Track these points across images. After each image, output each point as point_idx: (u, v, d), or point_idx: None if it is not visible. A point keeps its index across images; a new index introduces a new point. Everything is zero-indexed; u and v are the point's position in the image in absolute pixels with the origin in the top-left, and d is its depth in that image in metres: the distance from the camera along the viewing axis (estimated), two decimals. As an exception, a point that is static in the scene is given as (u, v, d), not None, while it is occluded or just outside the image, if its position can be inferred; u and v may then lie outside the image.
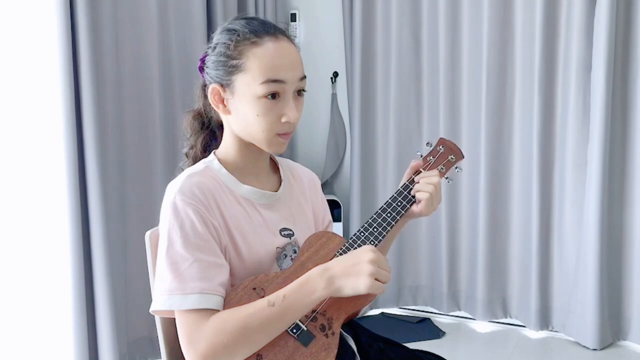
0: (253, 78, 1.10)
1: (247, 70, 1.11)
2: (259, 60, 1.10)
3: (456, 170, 1.32)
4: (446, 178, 1.30)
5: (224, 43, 1.14)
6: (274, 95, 1.11)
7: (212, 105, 1.18)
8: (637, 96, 2.48)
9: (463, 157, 1.31)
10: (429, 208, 1.21)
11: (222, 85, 1.15)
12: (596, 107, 2.46)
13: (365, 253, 1.07)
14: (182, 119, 1.29)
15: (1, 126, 2.07)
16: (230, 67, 1.13)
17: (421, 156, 1.30)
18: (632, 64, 2.48)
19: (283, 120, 1.13)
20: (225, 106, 1.17)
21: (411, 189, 1.23)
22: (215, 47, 1.16)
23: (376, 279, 1.05)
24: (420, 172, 1.26)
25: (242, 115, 1.14)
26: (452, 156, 1.30)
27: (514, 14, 2.68)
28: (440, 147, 1.30)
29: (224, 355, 1.02)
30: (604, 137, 2.45)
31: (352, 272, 1.05)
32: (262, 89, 1.10)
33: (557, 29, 2.58)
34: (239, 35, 1.13)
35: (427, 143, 1.32)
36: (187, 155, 1.28)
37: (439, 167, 1.28)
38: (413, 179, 1.25)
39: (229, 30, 1.15)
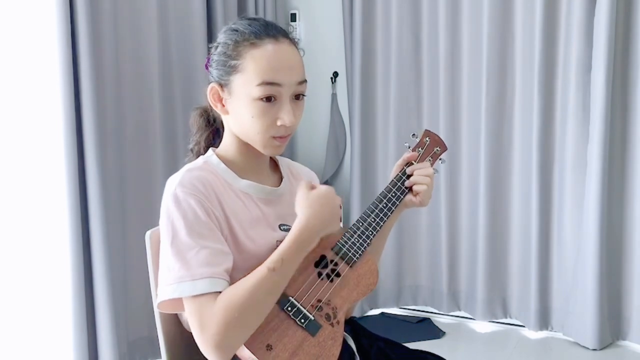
0: (249, 79, 1.11)
1: (245, 71, 1.11)
2: (256, 62, 1.10)
3: (440, 162, 1.36)
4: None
5: (225, 43, 1.15)
6: (269, 98, 1.11)
7: (211, 104, 1.19)
8: (637, 96, 2.48)
9: (446, 148, 1.36)
10: (426, 198, 1.27)
11: (220, 85, 1.16)
12: (596, 107, 2.46)
13: (333, 198, 1.15)
14: (190, 115, 1.31)
15: (1, 126, 2.07)
16: (229, 67, 1.13)
17: (409, 147, 1.34)
18: (632, 64, 2.48)
19: (278, 123, 1.12)
20: (223, 106, 1.17)
21: (404, 180, 1.27)
22: (217, 47, 1.17)
23: None
24: (412, 163, 1.30)
25: (239, 115, 1.14)
26: (437, 148, 1.35)
27: (514, 14, 2.68)
28: (426, 139, 1.35)
29: (237, 330, 1.03)
30: (603, 137, 2.45)
31: (333, 218, 1.14)
32: (257, 91, 1.10)
33: (557, 29, 2.58)
34: (239, 36, 1.13)
35: (413, 134, 1.36)
36: (192, 150, 1.30)
37: (427, 159, 1.33)
38: (405, 170, 1.29)
39: (232, 30, 1.16)
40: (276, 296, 1.08)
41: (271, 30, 1.13)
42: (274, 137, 1.14)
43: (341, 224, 1.18)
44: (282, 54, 1.12)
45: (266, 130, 1.13)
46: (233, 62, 1.12)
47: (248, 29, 1.13)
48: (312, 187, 1.15)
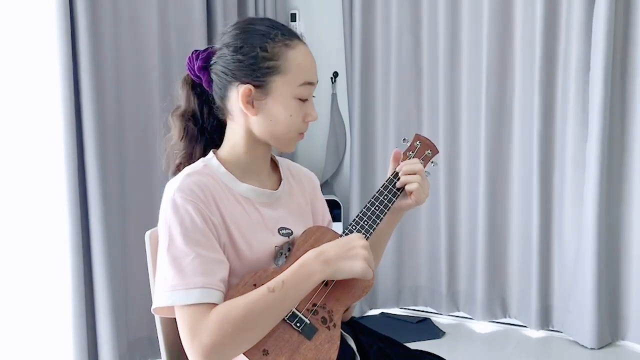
0: (292, 80, 1.14)
1: (286, 71, 1.14)
2: (296, 62, 1.14)
3: (432, 165, 1.37)
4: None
5: (252, 44, 1.14)
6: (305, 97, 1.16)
7: (241, 106, 1.15)
8: (635, 96, 2.48)
9: (438, 151, 1.36)
10: (422, 196, 1.25)
11: (254, 86, 1.14)
12: (594, 107, 2.46)
13: (358, 239, 1.12)
14: (170, 123, 1.24)
15: (1, 126, 2.07)
16: (267, 68, 1.13)
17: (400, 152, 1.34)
18: (630, 64, 2.48)
19: (308, 119, 1.18)
20: (253, 107, 1.16)
21: (396, 182, 1.27)
22: (241, 47, 1.14)
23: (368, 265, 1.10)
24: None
25: (274, 115, 1.15)
26: (428, 151, 1.35)
27: (514, 14, 2.68)
28: (417, 142, 1.35)
29: (228, 346, 1.02)
30: (602, 137, 2.45)
31: (347, 256, 1.09)
32: (300, 91, 1.15)
33: (556, 29, 2.59)
34: (273, 37, 1.14)
35: (404, 139, 1.36)
36: (178, 168, 1.23)
37: (419, 162, 1.32)
38: (397, 172, 1.28)
39: (256, 32, 1.15)
40: (274, 318, 1.06)
41: (294, 33, 1.18)
42: (300, 134, 1.20)
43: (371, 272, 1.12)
44: (310, 55, 1.19)
45: (297, 128, 1.18)
46: (271, 63, 1.13)
47: (275, 30, 1.15)
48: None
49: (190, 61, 1.22)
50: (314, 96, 1.21)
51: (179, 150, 1.24)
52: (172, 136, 1.24)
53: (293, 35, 1.17)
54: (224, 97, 1.18)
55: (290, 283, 1.06)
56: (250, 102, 1.15)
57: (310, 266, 1.08)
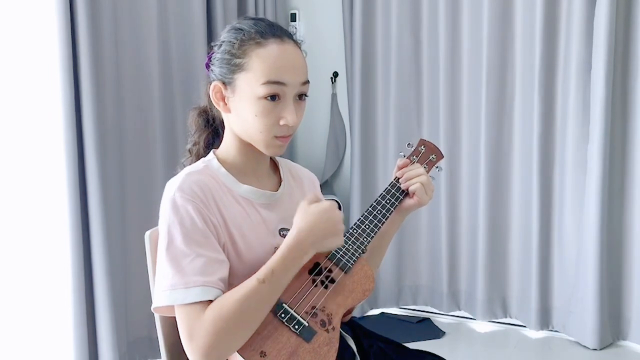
0: (255, 78, 1.11)
1: (250, 69, 1.11)
2: (261, 60, 1.11)
3: (437, 170, 1.37)
4: None
5: (230, 41, 1.14)
6: (274, 97, 1.11)
7: (213, 103, 1.18)
8: (636, 96, 2.48)
9: (443, 156, 1.36)
10: (424, 197, 1.26)
11: (223, 83, 1.15)
12: (596, 107, 2.46)
13: (335, 210, 1.12)
14: (188, 115, 1.29)
15: (1, 126, 2.07)
16: (234, 65, 1.13)
17: (404, 156, 1.35)
18: (631, 64, 2.48)
19: (282, 122, 1.13)
20: (225, 104, 1.17)
21: (399, 186, 1.28)
22: (221, 45, 1.17)
23: None
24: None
25: (242, 114, 1.14)
26: (433, 156, 1.35)
27: (514, 14, 2.68)
28: (422, 147, 1.35)
29: (225, 341, 1.02)
30: (603, 137, 2.45)
31: (332, 232, 1.11)
32: (262, 90, 1.10)
33: (557, 29, 2.58)
34: (244, 35, 1.13)
35: (408, 144, 1.37)
36: (190, 151, 1.29)
37: (423, 166, 1.34)
38: (398, 178, 1.29)
39: (236, 29, 1.15)
40: (267, 308, 1.06)
41: (276, 31, 1.14)
42: (277, 137, 1.14)
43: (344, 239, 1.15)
44: (287, 54, 1.13)
45: (269, 130, 1.13)
46: (238, 61, 1.12)
47: (253, 29, 1.13)
48: (314, 201, 1.13)
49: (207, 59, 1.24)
50: (306, 95, 1.17)
51: (191, 137, 1.29)
52: (190, 129, 1.29)
53: (272, 34, 1.12)
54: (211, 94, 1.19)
55: (280, 271, 1.06)
56: (222, 99, 1.16)
57: (299, 250, 1.08)
